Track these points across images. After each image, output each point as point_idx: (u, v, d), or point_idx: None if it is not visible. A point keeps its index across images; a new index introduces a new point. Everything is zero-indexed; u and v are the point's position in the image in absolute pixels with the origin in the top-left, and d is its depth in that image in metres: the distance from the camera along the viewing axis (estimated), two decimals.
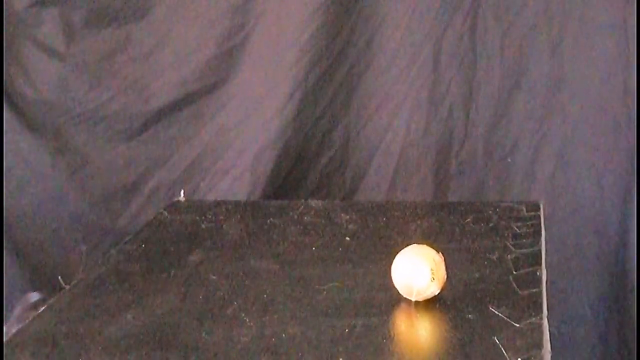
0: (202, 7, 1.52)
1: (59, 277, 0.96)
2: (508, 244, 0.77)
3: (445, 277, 0.67)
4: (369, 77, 1.47)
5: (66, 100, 1.53)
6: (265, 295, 0.73)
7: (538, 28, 1.44)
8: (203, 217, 0.94)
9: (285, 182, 1.44)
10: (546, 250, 0.79)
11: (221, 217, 0.95)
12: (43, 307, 0.73)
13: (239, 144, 1.52)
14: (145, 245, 0.86)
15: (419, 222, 0.94)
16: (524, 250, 0.76)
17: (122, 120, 1.54)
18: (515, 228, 0.81)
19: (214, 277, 0.77)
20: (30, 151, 1.54)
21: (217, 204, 1.07)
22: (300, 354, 0.62)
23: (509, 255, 0.75)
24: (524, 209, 0.85)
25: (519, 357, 0.58)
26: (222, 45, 1.52)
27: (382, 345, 0.62)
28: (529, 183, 1.46)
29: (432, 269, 0.66)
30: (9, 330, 0.98)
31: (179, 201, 0.99)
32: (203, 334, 0.66)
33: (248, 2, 1.50)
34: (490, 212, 0.87)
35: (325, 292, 0.72)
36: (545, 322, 0.63)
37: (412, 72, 1.46)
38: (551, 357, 0.59)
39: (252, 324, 0.67)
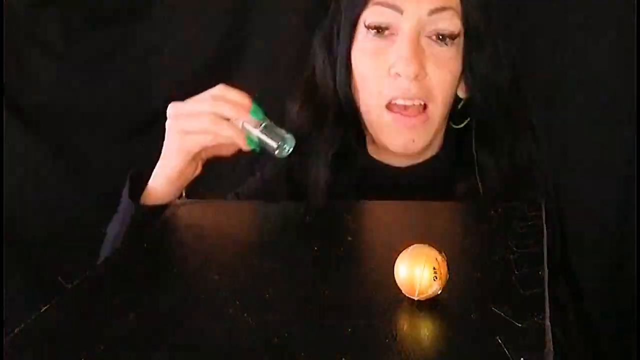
0: (202, 7, 1.52)
1: (59, 277, 0.96)
2: (510, 243, 0.77)
3: (448, 276, 0.67)
4: None
5: (66, 100, 1.54)
6: (267, 295, 0.73)
7: (538, 28, 1.44)
8: (205, 217, 0.94)
9: None
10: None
11: (223, 217, 0.95)
12: (45, 307, 0.73)
13: None
14: (147, 245, 0.86)
15: (420, 221, 0.94)
16: (525, 250, 0.76)
17: (121, 120, 1.55)
18: (517, 228, 0.81)
19: (216, 277, 0.77)
20: (30, 151, 1.54)
21: (219, 203, 1.08)
22: (302, 354, 0.62)
23: (510, 255, 0.75)
24: (526, 209, 0.85)
25: (522, 357, 0.58)
26: (222, 45, 1.52)
27: (385, 345, 0.62)
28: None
29: (434, 268, 0.66)
30: None
31: (180, 201, 0.99)
32: (205, 334, 0.66)
33: (248, 2, 1.50)
34: (491, 212, 0.86)
35: (327, 292, 0.72)
36: (547, 322, 0.63)
37: None
38: (553, 357, 0.59)
39: (254, 323, 0.67)
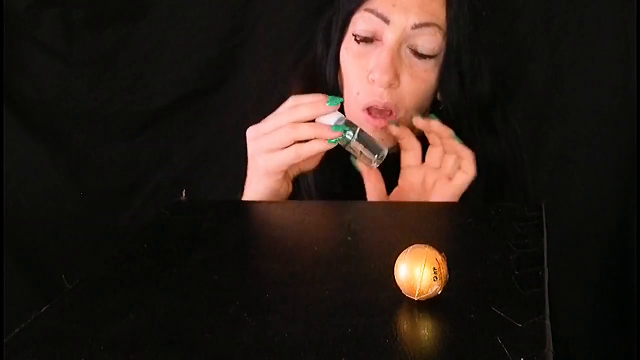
0: (202, 7, 1.52)
1: (63, 276, 0.96)
2: (510, 244, 0.77)
3: (448, 276, 0.67)
4: None
5: (66, 100, 1.53)
6: (267, 295, 0.73)
7: (538, 28, 1.44)
8: (205, 217, 0.94)
9: None
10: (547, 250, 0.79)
11: (223, 217, 0.95)
12: (45, 307, 0.73)
13: (239, 144, 1.52)
14: (147, 245, 0.86)
15: (420, 222, 0.94)
16: (526, 250, 0.76)
17: (122, 120, 1.55)
18: (517, 228, 0.81)
19: (216, 277, 0.77)
20: (30, 151, 1.54)
21: (219, 203, 1.08)
22: (302, 354, 0.62)
23: (511, 255, 0.75)
24: (526, 209, 0.85)
25: (522, 357, 0.58)
26: (222, 45, 1.52)
27: (384, 345, 0.62)
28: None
29: (434, 269, 0.66)
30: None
31: (180, 201, 0.99)
32: (205, 334, 0.66)
33: (248, 2, 1.50)
34: (492, 212, 0.87)
35: (327, 292, 0.72)
36: (547, 322, 0.63)
37: None
38: (553, 357, 0.59)
39: (254, 323, 0.67)
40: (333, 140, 1.04)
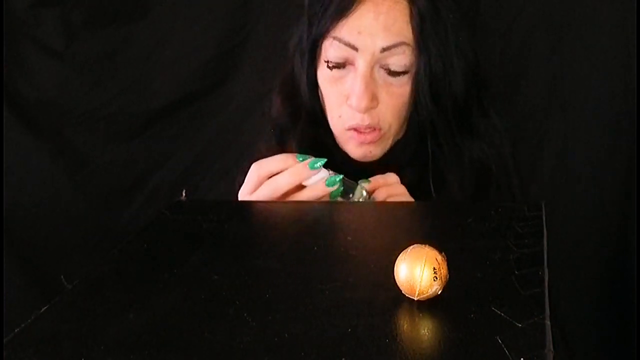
0: (202, 7, 1.52)
1: (62, 277, 0.96)
2: (510, 244, 0.77)
3: (448, 276, 0.67)
4: None
5: (66, 100, 1.54)
6: (267, 295, 0.73)
7: (538, 28, 1.44)
8: (205, 217, 0.94)
9: None
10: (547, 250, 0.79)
11: (222, 217, 0.94)
12: (45, 307, 0.73)
13: (239, 143, 1.52)
14: (147, 245, 0.86)
15: (420, 221, 0.94)
16: (526, 250, 0.76)
17: (122, 120, 1.55)
18: (517, 228, 0.81)
19: (216, 277, 0.77)
20: (30, 151, 1.54)
21: (218, 204, 1.08)
22: (302, 354, 0.62)
23: (511, 255, 0.75)
24: (526, 209, 0.85)
25: (522, 357, 0.58)
26: (222, 45, 1.52)
27: (384, 345, 0.62)
28: (529, 183, 1.46)
29: (434, 269, 0.66)
30: None
31: (180, 201, 1.00)
32: (205, 334, 0.66)
33: (248, 2, 1.50)
34: (492, 212, 0.87)
35: (327, 292, 0.72)
36: (547, 322, 0.63)
37: None
38: (553, 357, 0.59)
39: (254, 323, 0.67)
40: (335, 194, 1.07)
